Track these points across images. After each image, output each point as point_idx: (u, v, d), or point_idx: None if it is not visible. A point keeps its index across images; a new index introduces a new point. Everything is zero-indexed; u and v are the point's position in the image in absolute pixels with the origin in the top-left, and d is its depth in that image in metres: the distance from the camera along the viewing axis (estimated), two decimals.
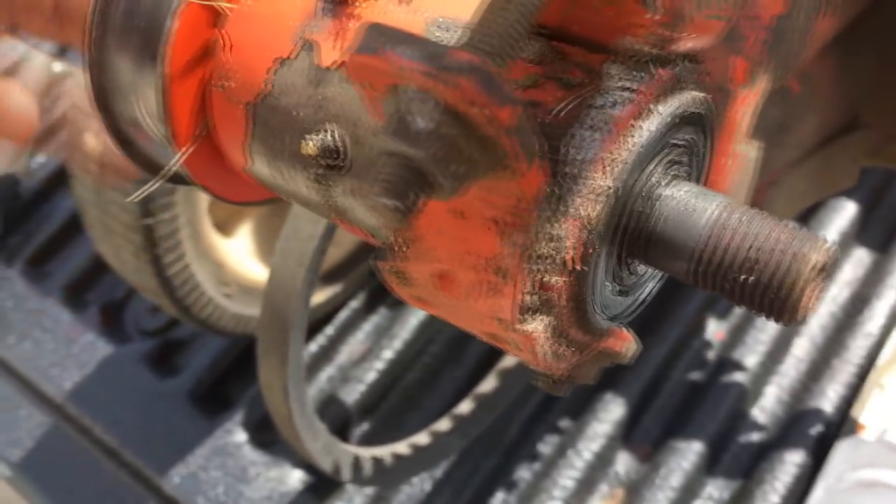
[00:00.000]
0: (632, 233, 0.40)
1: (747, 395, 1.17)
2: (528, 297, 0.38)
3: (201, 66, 0.46)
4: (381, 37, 0.32)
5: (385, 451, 1.07)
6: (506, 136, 0.31)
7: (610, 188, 0.38)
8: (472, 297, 0.40)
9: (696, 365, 1.21)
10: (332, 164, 0.43)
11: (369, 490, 1.15)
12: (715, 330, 1.24)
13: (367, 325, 1.31)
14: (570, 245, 0.37)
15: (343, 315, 1.31)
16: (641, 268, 0.44)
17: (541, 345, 0.40)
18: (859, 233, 1.28)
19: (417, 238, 0.41)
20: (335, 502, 1.15)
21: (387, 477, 1.09)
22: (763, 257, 0.38)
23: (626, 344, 0.49)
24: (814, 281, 0.37)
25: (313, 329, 1.27)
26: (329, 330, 1.29)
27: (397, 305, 1.32)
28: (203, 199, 1.02)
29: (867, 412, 1.09)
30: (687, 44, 0.38)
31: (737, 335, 1.22)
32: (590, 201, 0.37)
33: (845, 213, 1.27)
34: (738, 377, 1.19)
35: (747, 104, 0.47)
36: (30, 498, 1.22)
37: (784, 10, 0.47)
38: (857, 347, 1.17)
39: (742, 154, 0.51)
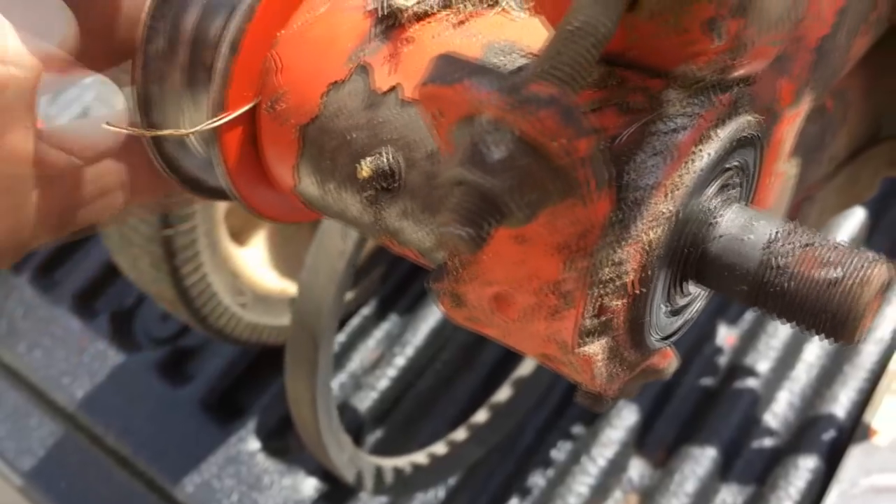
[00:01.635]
0: (688, 255, 0.41)
1: (760, 400, 1.18)
2: (588, 321, 0.39)
3: (252, 88, 0.46)
4: (455, 67, 0.32)
5: (405, 462, 1.07)
6: (581, 166, 0.31)
7: (671, 212, 0.38)
8: (531, 320, 0.40)
9: (708, 371, 1.22)
10: (386, 186, 0.44)
11: (383, 498, 1.15)
12: (726, 335, 1.24)
13: (379, 332, 1.31)
14: (632, 269, 0.38)
15: (354, 322, 1.31)
16: (693, 288, 0.44)
17: (598, 367, 0.40)
18: (868, 238, 1.29)
19: (474, 261, 0.41)
20: None
21: (407, 486, 1.09)
22: (823, 281, 0.38)
23: (669, 361, 0.50)
24: (875, 302, 0.38)
25: None
26: (341, 337, 1.29)
27: (408, 312, 1.32)
28: (219, 209, 1.02)
29: (880, 417, 1.10)
30: (745, 69, 0.39)
31: (748, 341, 1.23)
32: (651, 226, 0.38)
33: (854, 218, 1.28)
34: (751, 383, 1.19)
35: (791, 124, 0.48)
36: None
37: (828, 30, 0.47)
38: (869, 353, 1.17)
39: (783, 172, 0.51)
